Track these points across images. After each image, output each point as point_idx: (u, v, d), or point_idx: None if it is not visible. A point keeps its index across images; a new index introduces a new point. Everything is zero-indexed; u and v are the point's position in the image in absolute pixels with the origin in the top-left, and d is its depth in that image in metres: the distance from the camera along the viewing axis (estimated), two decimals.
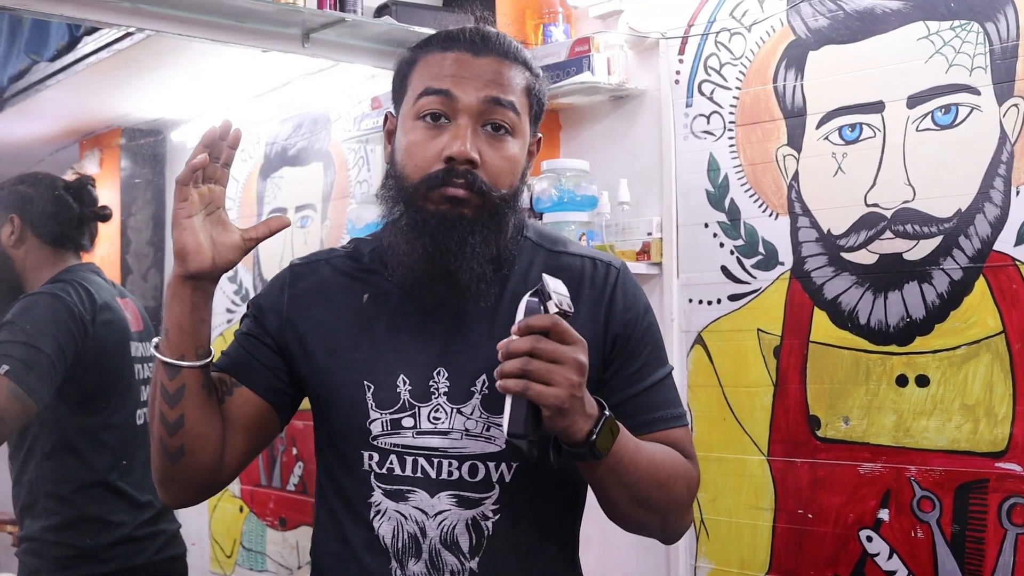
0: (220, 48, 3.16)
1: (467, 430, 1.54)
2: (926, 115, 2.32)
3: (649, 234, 2.80)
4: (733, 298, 2.66)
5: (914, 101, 2.34)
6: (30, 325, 2.52)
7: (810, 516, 2.49)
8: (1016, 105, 2.19)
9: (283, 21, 2.65)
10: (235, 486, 4.35)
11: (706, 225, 2.71)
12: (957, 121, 2.27)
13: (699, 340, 2.72)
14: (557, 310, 1.39)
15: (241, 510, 4.32)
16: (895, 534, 2.35)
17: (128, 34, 3.29)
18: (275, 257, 4.18)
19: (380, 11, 2.81)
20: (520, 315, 1.40)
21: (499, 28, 2.91)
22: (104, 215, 2.86)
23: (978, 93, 2.24)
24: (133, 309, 2.84)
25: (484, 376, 1.54)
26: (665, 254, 2.77)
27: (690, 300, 2.74)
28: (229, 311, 4.40)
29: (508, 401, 1.38)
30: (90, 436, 2.62)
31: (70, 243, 2.76)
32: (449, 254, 1.52)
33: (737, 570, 2.64)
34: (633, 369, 1.61)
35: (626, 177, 2.83)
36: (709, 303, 2.69)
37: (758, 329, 2.60)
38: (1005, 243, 2.20)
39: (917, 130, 2.33)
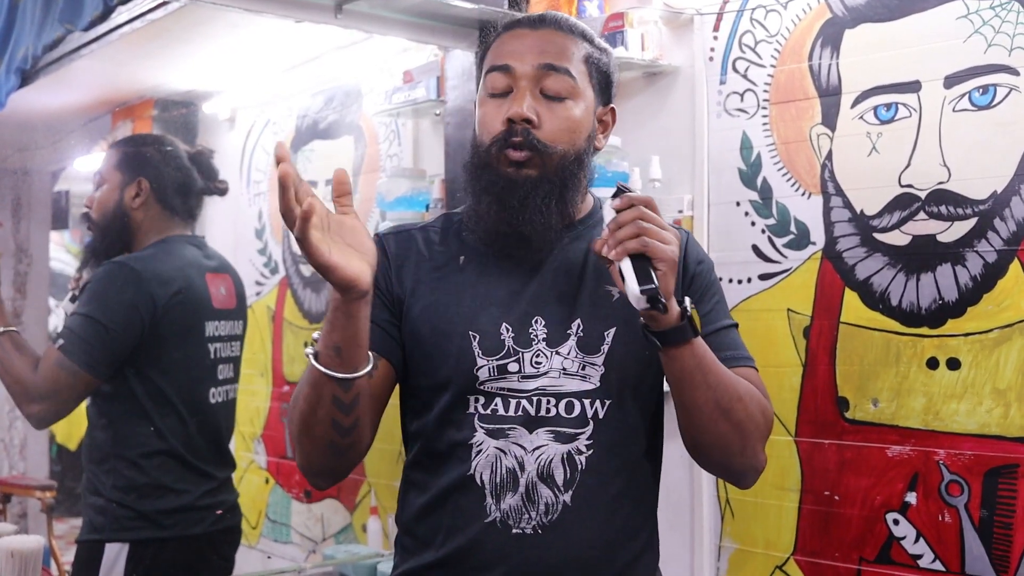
0: (253, 19, 3.16)
1: (564, 369, 1.67)
2: (963, 95, 2.29)
3: (680, 212, 2.78)
4: (764, 277, 2.64)
5: (951, 81, 2.31)
6: (96, 297, 2.60)
7: (836, 498, 2.48)
8: None
9: None
10: (261, 458, 4.37)
11: (738, 203, 2.70)
12: (995, 102, 2.25)
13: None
14: None
15: (267, 482, 4.34)
16: (922, 518, 2.34)
17: (162, 4, 3.30)
18: None
19: None
20: (609, 211, 1.57)
21: (533, 3, 2.92)
22: (223, 190, 2.94)
23: (1017, 74, 2.21)
24: (228, 286, 2.87)
25: (579, 320, 1.69)
26: (696, 232, 2.76)
27: (720, 279, 2.70)
28: (258, 283, 4.42)
29: (627, 266, 1.53)
30: (161, 408, 2.68)
31: (183, 211, 2.84)
32: (512, 211, 1.67)
33: (762, 551, 2.63)
34: (704, 311, 1.75)
35: (658, 154, 2.82)
36: (739, 282, 2.68)
37: (788, 309, 2.58)
38: None
39: (954, 110, 2.30)
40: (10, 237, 6.45)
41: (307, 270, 4.16)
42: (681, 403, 1.66)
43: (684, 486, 2.75)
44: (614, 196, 1.58)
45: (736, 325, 1.81)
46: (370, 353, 1.57)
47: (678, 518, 2.76)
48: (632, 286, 1.51)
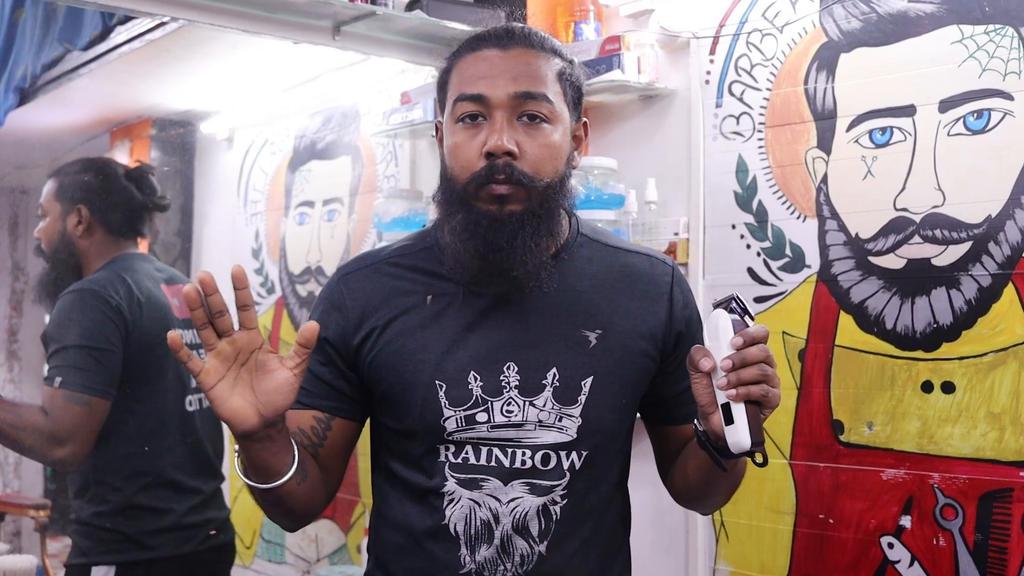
0: (251, 40, 3.17)
1: (540, 421, 1.60)
2: (958, 120, 2.30)
3: (676, 234, 2.79)
4: (759, 300, 2.65)
5: (946, 105, 2.32)
6: (69, 325, 2.57)
7: (831, 521, 2.48)
8: None
9: (314, 13, 2.66)
10: None
11: (733, 226, 2.70)
12: (989, 126, 2.25)
13: None
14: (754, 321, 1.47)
15: None
16: (917, 541, 2.33)
17: (160, 24, 3.32)
18: (302, 250, 4.20)
19: (411, 5, 2.81)
20: (725, 330, 1.44)
21: (530, 25, 2.93)
22: (163, 206, 2.94)
23: (1011, 98, 2.22)
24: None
25: (555, 369, 1.61)
26: (691, 255, 2.76)
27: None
28: (255, 303, 4.41)
29: (741, 413, 1.43)
30: (139, 423, 2.65)
31: (130, 231, 2.83)
32: (501, 252, 1.56)
33: (756, 574, 2.62)
34: None
35: (654, 176, 2.83)
36: None
37: (783, 332, 2.59)
38: None
39: (948, 135, 2.31)
40: (7, 255, 6.46)
41: (303, 290, 4.17)
42: (701, 490, 1.69)
43: (679, 509, 2.73)
44: (728, 309, 1.46)
45: None
46: (295, 456, 1.54)
47: (673, 541, 2.76)
48: (742, 436, 1.43)
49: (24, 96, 4.09)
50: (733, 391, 1.42)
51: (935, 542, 2.30)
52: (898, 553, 2.36)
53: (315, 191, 4.19)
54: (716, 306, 1.48)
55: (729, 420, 1.44)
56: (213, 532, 2.73)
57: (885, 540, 2.38)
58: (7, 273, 6.46)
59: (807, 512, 2.53)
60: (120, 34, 3.52)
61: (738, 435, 1.43)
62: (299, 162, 4.28)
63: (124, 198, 2.80)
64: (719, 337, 1.45)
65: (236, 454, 1.52)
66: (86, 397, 2.49)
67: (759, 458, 1.46)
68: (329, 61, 3.77)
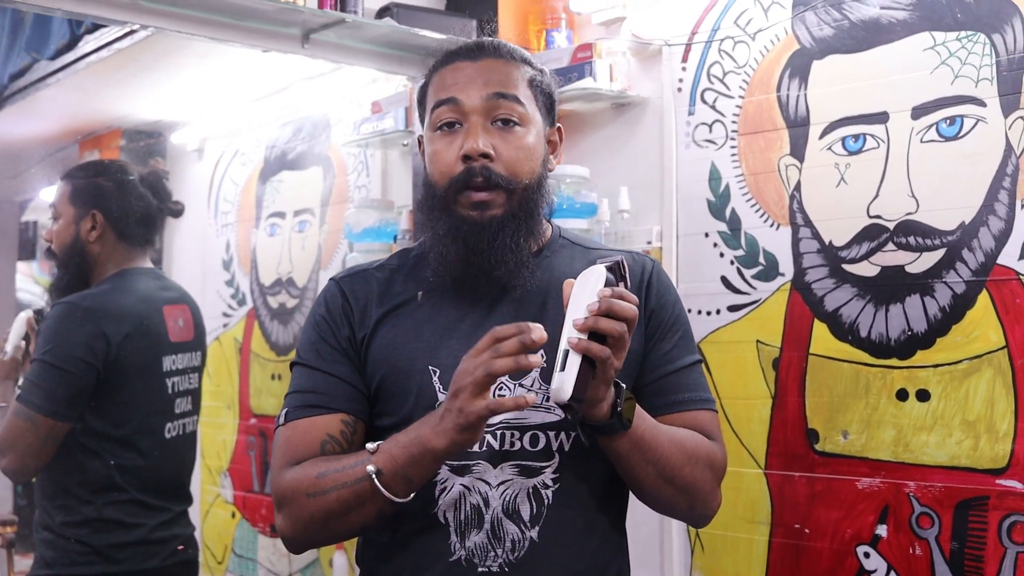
0: (221, 50, 3.15)
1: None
2: (931, 126, 2.29)
3: (649, 243, 2.77)
4: (732, 309, 2.63)
5: (919, 112, 2.31)
6: (50, 339, 2.56)
7: (807, 531, 2.46)
8: (1022, 117, 2.17)
9: (283, 20, 2.63)
10: (228, 491, 4.32)
11: (706, 235, 2.69)
12: (962, 133, 2.25)
13: (697, 351, 2.69)
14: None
15: (233, 516, 4.29)
16: (893, 551, 2.32)
17: (129, 33, 3.29)
18: (273, 260, 4.17)
19: (381, 13, 2.80)
20: (599, 282, 1.47)
21: (501, 33, 2.93)
22: (177, 211, 2.89)
23: (984, 105, 2.22)
24: (187, 317, 2.82)
25: (541, 351, 1.60)
26: (665, 263, 2.75)
27: (689, 310, 2.70)
28: (225, 315, 4.38)
29: (575, 364, 1.45)
30: (115, 445, 2.63)
31: (141, 240, 2.79)
32: (482, 255, 1.64)
33: None
34: (665, 350, 1.74)
35: (626, 185, 2.81)
36: (708, 313, 2.67)
37: (757, 340, 2.57)
38: (1009, 257, 2.17)
39: (921, 141, 2.30)
40: None
41: (275, 302, 4.13)
42: (622, 473, 1.66)
43: (653, 519, 2.72)
44: (610, 269, 1.49)
45: (700, 361, 1.80)
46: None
47: (647, 552, 2.73)
48: (566, 384, 1.45)
49: None
50: (575, 338, 1.44)
51: (911, 551, 2.29)
52: (874, 563, 2.35)
53: (286, 202, 4.16)
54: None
55: (563, 367, 1.46)
56: (181, 548, 2.69)
57: (861, 549, 2.37)
58: None
59: (782, 522, 2.51)
60: (88, 43, 3.48)
61: (562, 382, 1.44)
62: (270, 173, 4.25)
63: (139, 204, 2.76)
64: (588, 286, 1.48)
65: (374, 471, 1.52)
66: (31, 413, 2.51)
67: (573, 413, 1.50)
68: (299, 71, 3.75)
